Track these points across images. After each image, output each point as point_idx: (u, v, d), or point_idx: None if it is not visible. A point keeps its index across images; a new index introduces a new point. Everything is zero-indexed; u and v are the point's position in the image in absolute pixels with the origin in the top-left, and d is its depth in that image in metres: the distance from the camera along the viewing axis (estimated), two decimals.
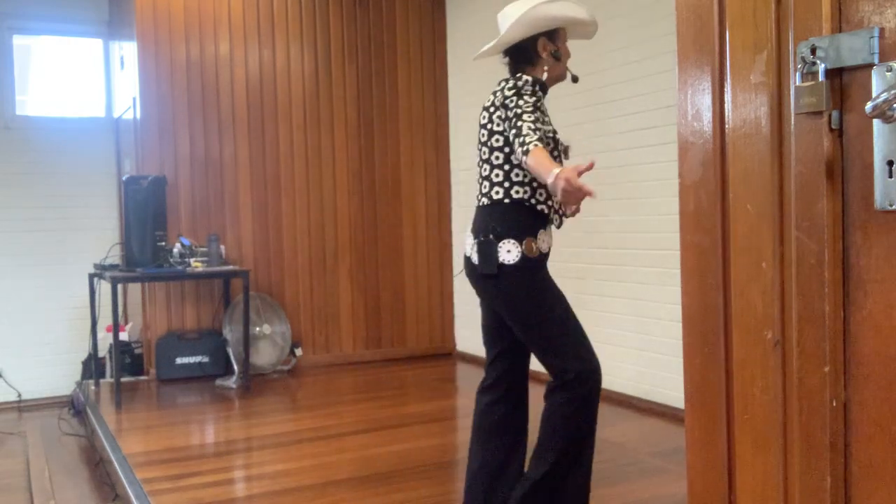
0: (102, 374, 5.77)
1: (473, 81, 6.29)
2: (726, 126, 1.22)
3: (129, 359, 5.83)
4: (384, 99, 6.49)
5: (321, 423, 4.49)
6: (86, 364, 5.93)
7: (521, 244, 2.60)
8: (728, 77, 1.21)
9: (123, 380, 5.37)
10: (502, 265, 2.60)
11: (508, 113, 2.59)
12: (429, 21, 6.63)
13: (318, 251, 6.27)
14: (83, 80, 6.82)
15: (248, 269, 5.69)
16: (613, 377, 4.90)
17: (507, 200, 2.64)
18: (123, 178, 5.53)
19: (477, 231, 2.67)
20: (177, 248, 5.37)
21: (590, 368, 2.73)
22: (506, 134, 2.63)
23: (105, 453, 4.18)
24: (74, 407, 5.58)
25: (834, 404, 1.07)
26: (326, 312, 6.30)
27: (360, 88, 6.40)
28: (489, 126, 2.70)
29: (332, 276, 6.32)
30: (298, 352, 6.13)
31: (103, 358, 5.85)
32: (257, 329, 5.81)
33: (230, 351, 5.65)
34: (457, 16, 6.54)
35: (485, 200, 2.69)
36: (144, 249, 5.16)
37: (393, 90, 6.51)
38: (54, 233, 6.40)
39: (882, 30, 1.00)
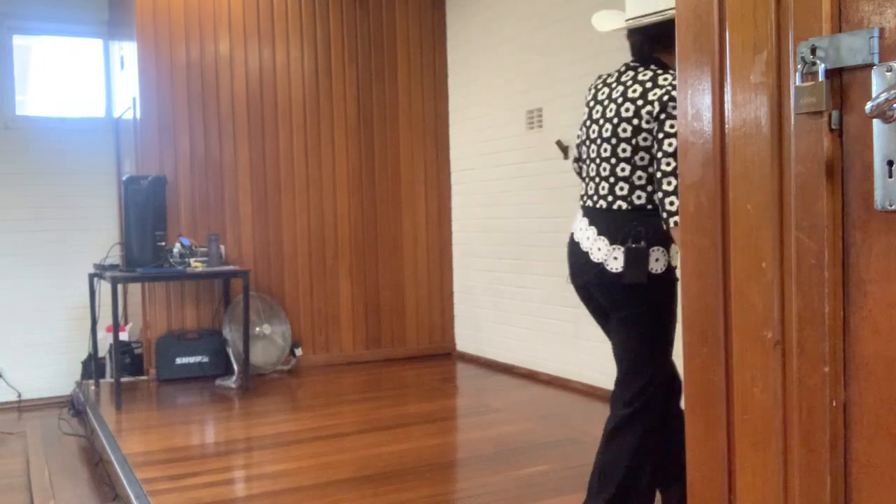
0: (102, 374, 5.77)
1: (473, 81, 6.29)
2: (726, 126, 1.22)
3: (129, 359, 5.83)
4: (384, 99, 6.49)
5: (321, 423, 4.49)
6: (86, 364, 5.93)
7: (667, 253, 2.43)
8: (728, 77, 1.21)
9: (123, 380, 5.37)
10: (649, 274, 2.43)
11: (665, 129, 2.38)
12: (429, 21, 6.63)
13: (318, 251, 6.27)
14: (83, 80, 6.82)
15: (248, 269, 5.70)
16: (613, 377, 4.90)
17: (650, 206, 2.44)
18: (123, 178, 5.53)
19: (618, 236, 2.45)
20: (177, 248, 5.37)
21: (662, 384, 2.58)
22: (654, 135, 2.41)
23: (105, 453, 4.18)
24: (74, 407, 5.58)
25: (834, 404, 1.07)
26: (326, 312, 6.30)
27: (360, 88, 6.40)
28: (635, 122, 2.44)
29: (332, 276, 6.32)
30: (298, 352, 6.14)
31: (103, 358, 5.85)
32: (257, 329, 5.81)
33: (230, 351, 5.65)
34: (457, 16, 6.53)
35: (622, 205, 2.46)
36: (144, 249, 5.16)
37: (393, 90, 6.51)
38: (54, 233, 6.40)
39: (882, 30, 1.00)
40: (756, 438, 1.19)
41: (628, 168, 2.46)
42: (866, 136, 1.02)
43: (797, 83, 1.08)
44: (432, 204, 6.63)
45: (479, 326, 6.31)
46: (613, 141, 2.48)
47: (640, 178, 2.46)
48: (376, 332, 6.47)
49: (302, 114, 6.23)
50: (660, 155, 2.40)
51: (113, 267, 5.39)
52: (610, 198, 2.48)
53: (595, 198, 2.52)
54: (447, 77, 6.66)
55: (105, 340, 5.80)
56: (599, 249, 2.48)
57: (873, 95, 1.00)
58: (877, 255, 1.02)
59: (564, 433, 4.13)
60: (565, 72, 5.26)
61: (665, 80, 2.45)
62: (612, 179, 2.48)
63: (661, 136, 2.40)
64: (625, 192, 2.47)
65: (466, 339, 6.54)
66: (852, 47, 1.02)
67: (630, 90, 2.48)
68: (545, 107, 5.44)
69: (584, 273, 2.54)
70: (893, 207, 0.99)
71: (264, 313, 5.90)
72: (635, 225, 2.44)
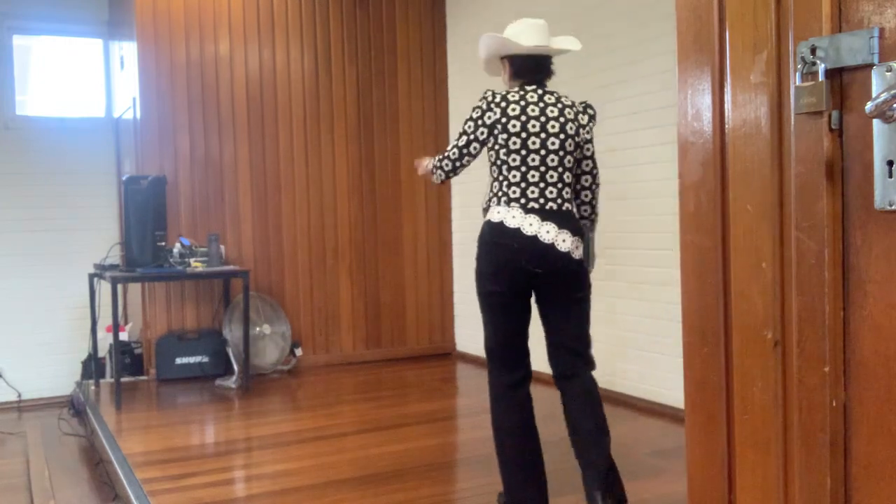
0: (102, 374, 5.77)
1: (473, 82, 6.29)
2: (726, 126, 1.22)
3: (129, 359, 5.83)
4: (384, 99, 6.49)
5: (321, 423, 4.49)
6: (86, 364, 5.93)
7: None
8: (728, 77, 1.21)
9: (123, 380, 5.37)
10: None
11: (591, 147, 3.02)
12: (429, 21, 6.63)
13: (318, 251, 6.27)
14: (83, 80, 6.82)
15: (248, 269, 5.69)
16: (613, 377, 4.90)
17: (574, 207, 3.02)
18: (123, 178, 5.53)
19: (576, 231, 2.93)
20: (177, 248, 5.37)
21: None
22: (589, 154, 3.02)
23: (105, 453, 4.18)
24: (74, 407, 5.58)
25: (834, 404, 1.07)
26: (326, 312, 6.30)
27: (360, 88, 6.40)
28: (576, 139, 2.96)
29: (332, 276, 6.32)
30: (298, 352, 6.13)
31: (103, 358, 5.85)
32: (257, 329, 5.81)
33: (230, 351, 5.65)
34: (457, 16, 6.53)
35: (568, 206, 2.94)
36: (144, 249, 5.16)
37: (393, 90, 6.51)
38: (54, 233, 6.40)
39: (882, 30, 1.00)
40: (756, 438, 1.19)
41: (570, 176, 2.96)
42: (866, 136, 1.03)
43: (797, 83, 1.08)
44: (432, 204, 6.63)
45: (479, 326, 6.29)
46: (561, 153, 2.92)
47: (572, 184, 3.00)
48: (376, 332, 6.46)
49: (302, 114, 6.23)
50: (595, 172, 3.06)
51: (113, 267, 5.39)
52: (559, 200, 2.91)
53: (542, 200, 2.89)
54: (447, 77, 6.66)
55: (105, 340, 5.80)
56: (564, 241, 2.88)
57: (873, 95, 1.00)
58: (877, 255, 1.02)
59: (564, 433, 4.13)
60: (565, 72, 5.26)
61: (580, 103, 3.03)
62: (559, 185, 2.92)
63: (591, 153, 3.03)
64: (568, 196, 2.94)
65: (466, 339, 6.54)
66: (852, 47, 1.02)
67: (567, 111, 2.95)
68: None
69: (549, 262, 2.88)
70: (893, 207, 0.99)
71: (264, 313, 5.90)
72: (578, 221, 2.97)
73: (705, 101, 1.25)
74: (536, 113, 2.91)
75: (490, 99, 2.97)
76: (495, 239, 2.92)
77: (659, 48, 4.47)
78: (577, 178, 3.03)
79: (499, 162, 2.94)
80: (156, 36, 5.80)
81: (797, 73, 1.08)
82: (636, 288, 4.72)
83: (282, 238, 6.17)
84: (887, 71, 0.99)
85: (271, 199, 6.14)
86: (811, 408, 1.09)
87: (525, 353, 3.03)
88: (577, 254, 2.90)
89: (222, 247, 5.70)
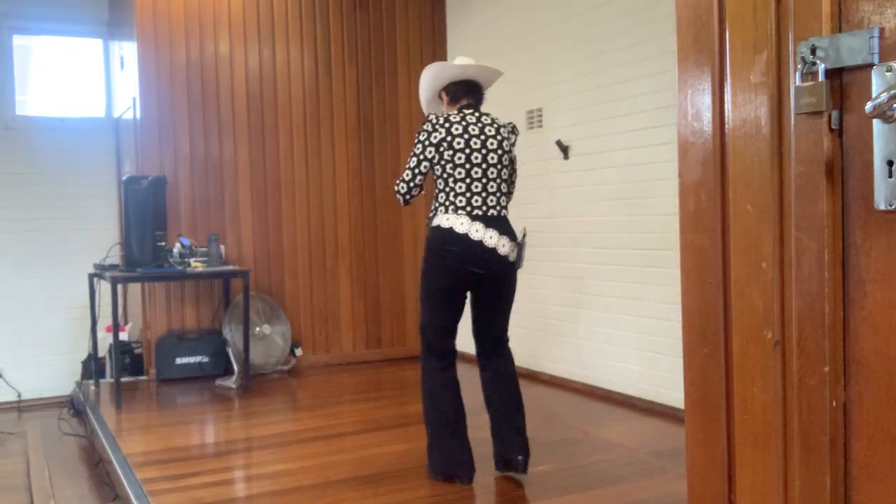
0: (102, 374, 5.77)
1: None
2: (726, 126, 1.22)
3: (129, 359, 5.83)
4: (384, 99, 6.49)
5: (321, 423, 4.49)
6: (86, 364, 5.93)
7: None
8: (728, 77, 1.21)
9: (123, 380, 5.37)
10: None
11: (515, 160, 3.44)
12: (429, 22, 6.63)
13: (318, 251, 6.27)
14: (83, 80, 6.82)
15: (248, 269, 5.69)
16: (613, 377, 4.90)
17: None
18: (123, 178, 5.53)
19: (511, 235, 3.35)
20: (177, 248, 5.37)
21: None
22: (513, 165, 3.44)
23: (105, 453, 4.18)
24: (74, 407, 5.58)
25: (834, 404, 1.07)
26: (326, 312, 6.30)
27: (360, 89, 6.40)
28: (510, 152, 3.41)
29: (332, 276, 6.32)
30: (298, 352, 6.13)
31: (103, 358, 5.85)
32: (257, 329, 5.81)
33: (230, 351, 5.65)
34: (457, 16, 6.53)
35: (504, 212, 3.38)
36: (144, 249, 5.16)
37: (393, 91, 6.51)
38: (54, 233, 6.40)
39: (882, 30, 1.00)
40: (756, 438, 1.19)
41: (506, 186, 3.40)
42: (866, 136, 1.03)
43: (797, 83, 1.08)
44: (432, 204, 6.62)
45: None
46: (499, 167, 3.34)
47: (507, 192, 3.43)
48: (376, 332, 6.46)
49: (302, 114, 6.23)
50: (514, 179, 3.48)
51: (113, 267, 5.39)
52: (498, 207, 3.35)
53: (484, 208, 3.31)
54: None
55: (105, 340, 5.80)
56: (504, 246, 3.32)
57: (873, 95, 1.00)
58: (877, 255, 1.02)
59: (564, 433, 4.14)
60: (565, 72, 5.26)
61: (507, 123, 3.44)
62: (498, 194, 3.35)
63: (515, 165, 3.47)
64: (504, 203, 3.39)
65: (466, 339, 6.52)
66: (852, 47, 1.02)
67: (501, 129, 3.38)
68: (545, 107, 5.44)
69: (491, 264, 3.31)
70: (893, 207, 0.99)
71: (264, 313, 5.90)
72: (511, 227, 3.39)
73: (705, 101, 1.25)
74: (476, 132, 3.31)
75: (434, 122, 3.34)
76: (446, 243, 3.32)
77: (659, 48, 4.47)
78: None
79: (445, 175, 3.33)
80: (156, 36, 5.80)
81: (797, 73, 1.08)
82: (636, 288, 4.72)
83: (282, 238, 6.17)
84: (887, 71, 0.99)
85: (271, 199, 6.14)
86: (811, 408, 1.09)
87: (454, 339, 3.55)
88: (512, 257, 3.35)
89: (222, 247, 5.70)
